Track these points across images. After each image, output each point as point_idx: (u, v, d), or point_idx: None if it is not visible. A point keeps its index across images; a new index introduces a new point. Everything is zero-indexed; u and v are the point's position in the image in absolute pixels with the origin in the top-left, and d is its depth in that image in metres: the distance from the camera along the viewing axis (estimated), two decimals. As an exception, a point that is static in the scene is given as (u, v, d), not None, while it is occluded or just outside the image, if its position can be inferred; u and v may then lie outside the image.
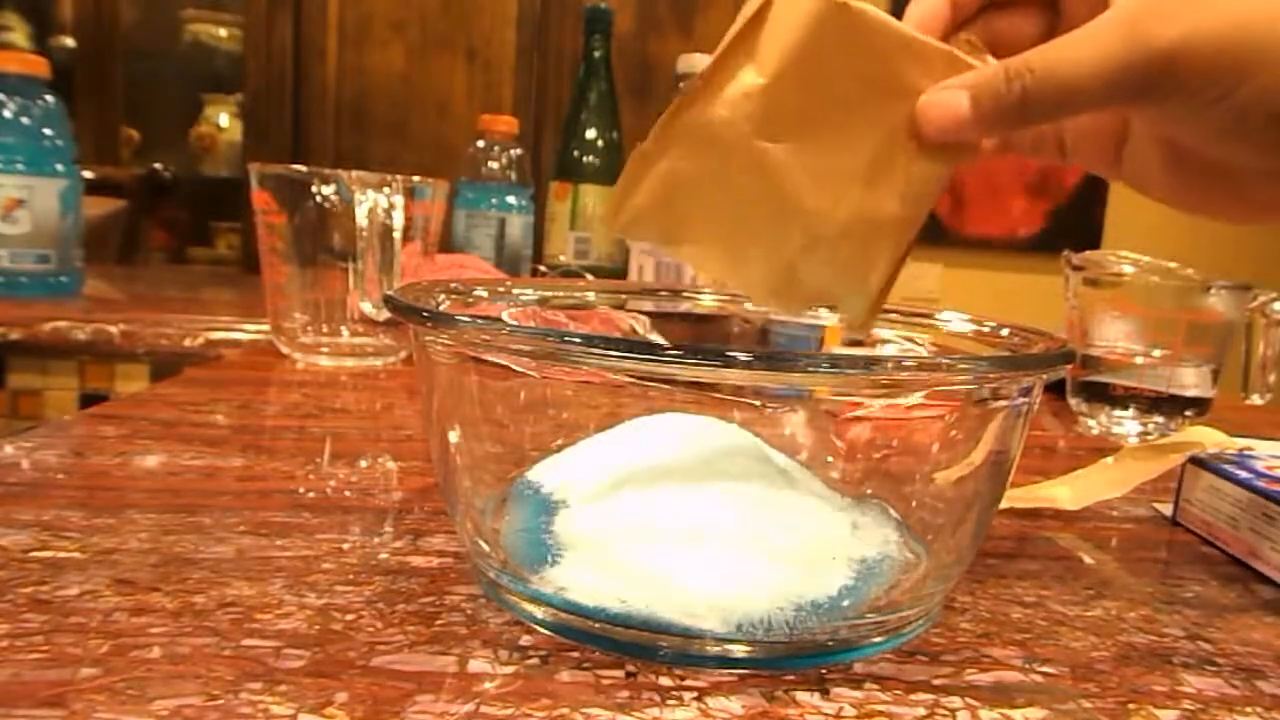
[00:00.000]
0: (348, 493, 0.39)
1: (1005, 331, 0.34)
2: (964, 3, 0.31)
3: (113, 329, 0.86)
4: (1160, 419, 0.60)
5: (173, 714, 0.22)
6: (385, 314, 0.66)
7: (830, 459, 0.33)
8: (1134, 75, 0.25)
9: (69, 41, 1.96)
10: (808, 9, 0.27)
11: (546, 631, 0.27)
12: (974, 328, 0.35)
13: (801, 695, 0.25)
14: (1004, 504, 0.39)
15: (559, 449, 0.32)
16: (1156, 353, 0.59)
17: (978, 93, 0.27)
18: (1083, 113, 0.28)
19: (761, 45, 0.28)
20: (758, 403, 0.34)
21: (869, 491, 0.32)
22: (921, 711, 0.24)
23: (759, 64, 0.28)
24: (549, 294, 0.40)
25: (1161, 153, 0.31)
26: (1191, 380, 0.60)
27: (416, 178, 0.67)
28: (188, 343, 0.87)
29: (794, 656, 0.26)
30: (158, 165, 2.04)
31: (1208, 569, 0.37)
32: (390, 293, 0.30)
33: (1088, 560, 0.38)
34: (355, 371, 0.68)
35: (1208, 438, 0.43)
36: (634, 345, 0.24)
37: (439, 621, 0.28)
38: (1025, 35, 0.31)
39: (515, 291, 0.39)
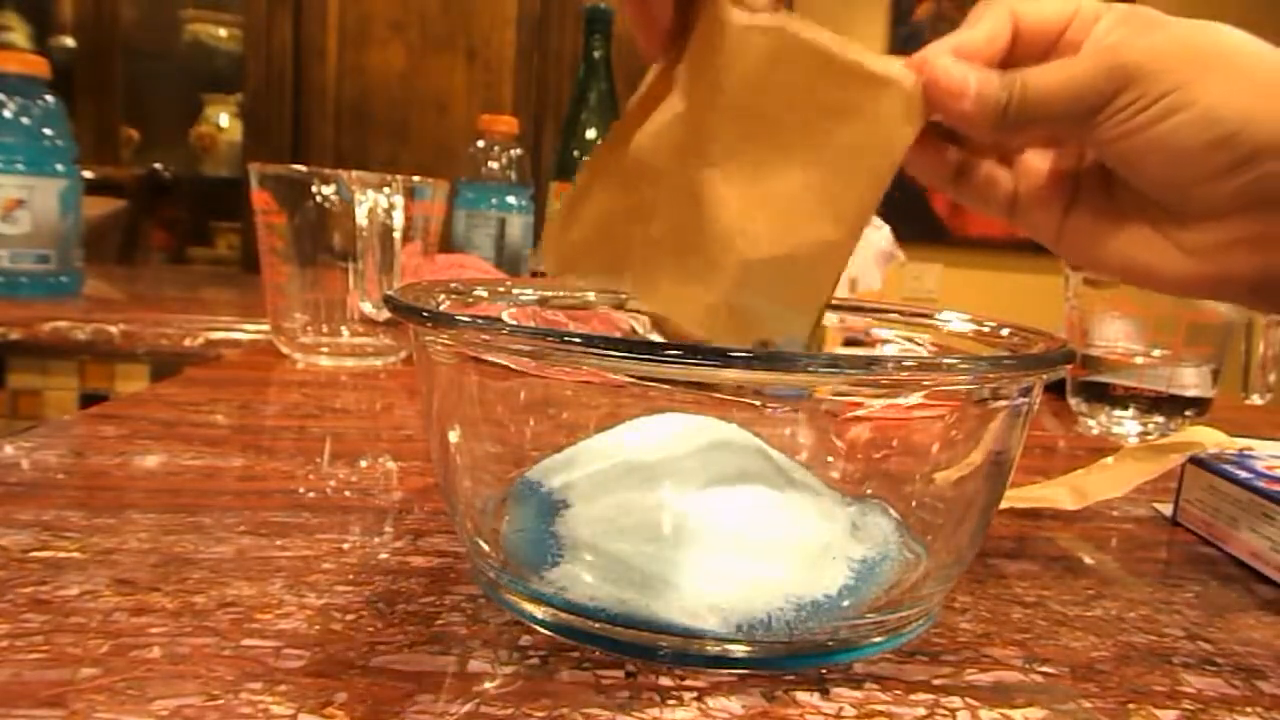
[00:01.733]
0: (348, 493, 0.39)
1: (1005, 331, 0.34)
2: (1028, 30, 0.31)
3: (113, 329, 0.86)
4: (1160, 419, 0.60)
5: (173, 714, 0.22)
6: (385, 314, 0.66)
7: (830, 459, 0.33)
8: (1099, 83, 0.28)
9: (69, 41, 1.96)
10: (727, 33, 0.27)
11: (546, 631, 0.27)
12: (974, 328, 0.35)
13: (801, 695, 0.25)
14: (1004, 504, 0.39)
15: (559, 449, 0.32)
16: (1156, 353, 0.59)
17: (980, 86, 0.29)
18: (1055, 123, 0.30)
19: (682, 73, 0.28)
20: (758, 403, 0.34)
21: (869, 491, 0.32)
22: (921, 711, 0.24)
23: (680, 91, 0.28)
24: (549, 294, 0.40)
25: (1104, 215, 0.32)
26: (1191, 380, 0.60)
27: (416, 178, 0.67)
28: (188, 343, 0.87)
29: (794, 656, 0.26)
30: (158, 165, 2.04)
31: (1208, 569, 0.37)
32: (390, 293, 0.30)
33: (1088, 560, 0.38)
34: (355, 371, 0.68)
35: (1208, 438, 0.43)
36: (634, 345, 0.24)
37: (439, 621, 0.28)
38: None
39: (515, 291, 0.39)
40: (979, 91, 0.29)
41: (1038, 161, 0.33)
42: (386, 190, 0.63)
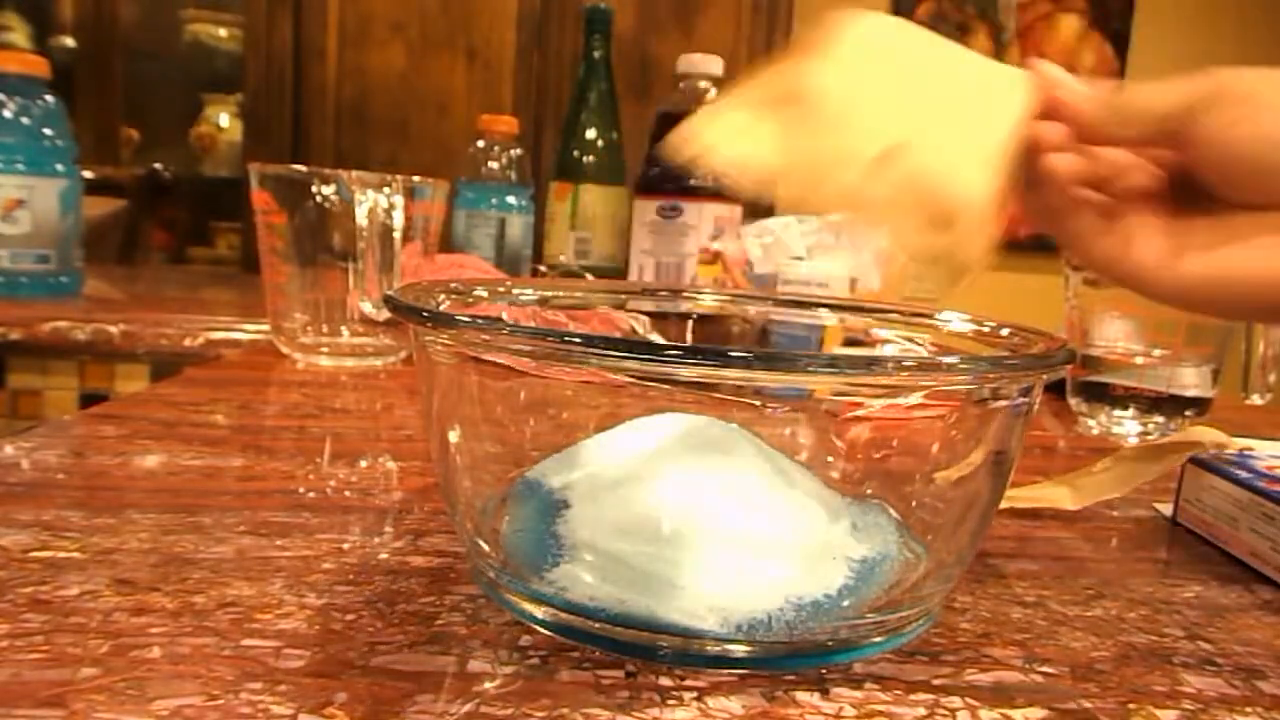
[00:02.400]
0: (348, 493, 0.39)
1: (1005, 331, 0.34)
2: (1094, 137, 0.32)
3: (113, 329, 0.86)
4: (1160, 419, 0.60)
5: (173, 714, 0.22)
6: (385, 314, 0.66)
7: (830, 459, 0.33)
8: (1188, 97, 0.30)
9: (69, 41, 1.96)
10: (860, 22, 0.31)
11: (546, 631, 0.27)
12: (974, 328, 0.35)
13: (801, 695, 0.25)
14: (1004, 504, 0.39)
15: (559, 449, 0.32)
16: (1156, 353, 0.59)
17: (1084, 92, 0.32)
18: (1146, 131, 0.31)
19: (827, 40, 0.31)
20: (758, 403, 0.34)
21: (869, 491, 0.32)
22: (921, 711, 0.24)
23: (825, 49, 0.31)
24: (549, 294, 0.40)
25: (1172, 220, 0.32)
26: (1191, 380, 0.60)
27: (416, 178, 0.67)
28: (188, 343, 0.87)
29: (794, 656, 0.26)
30: (158, 165, 2.04)
31: (1208, 569, 0.37)
32: (390, 293, 0.30)
33: (1088, 560, 0.38)
34: (355, 371, 0.68)
35: (1208, 438, 0.43)
36: (634, 345, 0.24)
37: (439, 621, 0.28)
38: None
39: (515, 291, 0.39)
40: (1087, 94, 0.32)
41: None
42: (386, 190, 0.63)
